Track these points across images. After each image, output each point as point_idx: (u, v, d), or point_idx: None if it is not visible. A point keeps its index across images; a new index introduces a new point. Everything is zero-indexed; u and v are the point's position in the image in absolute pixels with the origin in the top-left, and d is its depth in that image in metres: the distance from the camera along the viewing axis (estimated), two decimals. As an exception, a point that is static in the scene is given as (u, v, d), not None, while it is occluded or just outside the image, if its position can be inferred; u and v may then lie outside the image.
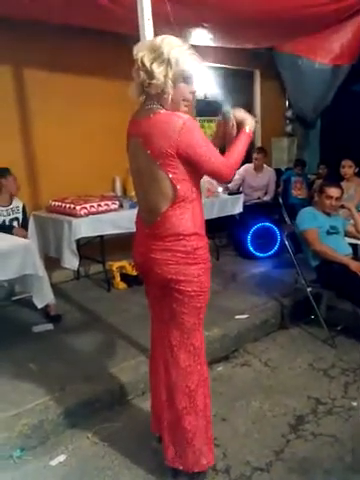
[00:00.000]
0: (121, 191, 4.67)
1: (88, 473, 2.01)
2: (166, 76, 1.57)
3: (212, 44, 4.83)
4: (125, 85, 4.48)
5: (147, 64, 1.58)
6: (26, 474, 2.03)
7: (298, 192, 5.77)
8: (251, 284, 4.04)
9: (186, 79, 1.63)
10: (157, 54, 1.58)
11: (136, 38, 4.32)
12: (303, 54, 5.36)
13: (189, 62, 1.62)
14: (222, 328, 3.11)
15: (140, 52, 1.61)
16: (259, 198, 5.44)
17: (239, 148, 1.73)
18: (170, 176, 1.61)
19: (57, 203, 3.95)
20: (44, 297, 2.92)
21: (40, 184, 4.27)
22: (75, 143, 4.36)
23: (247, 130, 1.76)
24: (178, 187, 1.63)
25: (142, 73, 1.59)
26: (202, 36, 4.51)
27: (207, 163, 1.62)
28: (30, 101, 4.05)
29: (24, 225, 3.75)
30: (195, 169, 1.65)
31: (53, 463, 2.08)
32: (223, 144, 1.81)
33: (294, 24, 4.29)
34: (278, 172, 6.22)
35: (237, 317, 3.33)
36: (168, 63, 1.57)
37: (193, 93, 1.70)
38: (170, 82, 1.58)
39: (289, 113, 6.49)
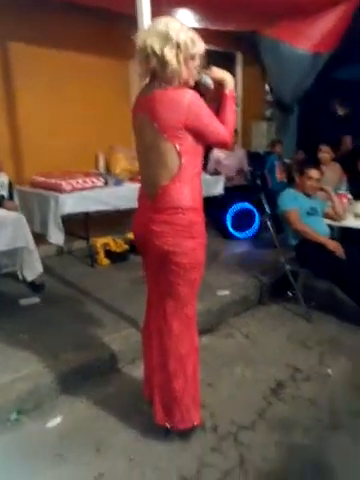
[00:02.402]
0: (104, 168, 4.71)
1: (84, 433, 2.13)
2: (178, 59, 1.67)
3: (196, 25, 4.88)
4: (111, 63, 4.61)
5: (158, 50, 1.65)
6: (24, 435, 2.13)
7: (282, 175, 5.84)
8: (231, 263, 4.20)
9: (193, 57, 1.73)
10: (166, 39, 1.65)
11: (125, 15, 4.33)
12: (285, 39, 5.44)
13: (195, 42, 1.72)
14: (206, 303, 3.24)
15: (148, 39, 1.67)
16: (233, 179, 5.54)
17: (228, 113, 1.84)
18: (177, 147, 1.71)
19: (42, 178, 3.97)
20: (34, 270, 2.98)
21: (23, 159, 4.26)
22: (59, 119, 4.36)
23: (227, 92, 1.85)
24: (183, 160, 1.73)
25: (154, 60, 1.67)
26: (187, 17, 4.55)
27: (213, 134, 1.76)
28: (15, 76, 4.02)
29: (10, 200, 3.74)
30: (200, 141, 1.76)
31: (50, 425, 2.19)
32: (217, 108, 1.89)
33: (278, 8, 4.39)
34: (257, 155, 6.37)
35: (219, 293, 3.48)
36: (178, 46, 1.66)
37: (197, 68, 1.79)
38: (183, 64, 1.68)
39: (269, 97, 6.60)
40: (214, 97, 1.90)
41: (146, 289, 2.12)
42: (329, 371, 2.65)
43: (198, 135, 1.74)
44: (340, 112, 5.28)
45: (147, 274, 2.05)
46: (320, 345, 2.96)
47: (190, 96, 1.68)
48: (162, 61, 1.67)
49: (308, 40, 5.29)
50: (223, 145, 1.85)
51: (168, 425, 2.02)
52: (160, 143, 1.73)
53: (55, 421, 2.21)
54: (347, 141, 4.98)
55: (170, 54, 1.65)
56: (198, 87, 1.89)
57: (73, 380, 2.46)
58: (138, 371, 2.55)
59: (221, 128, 1.78)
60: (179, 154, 1.73)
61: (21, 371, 2.40)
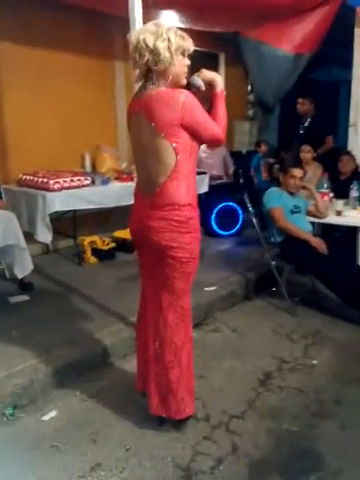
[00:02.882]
0: (90, 168, 4.74)
1: (80, 425, 2.18)
2: (170, 50, 1.76)
3: (181, 26, 4.95)
4: (97, 63, 4.69)
5: (150, 44, 1.75)
6: (20, 428, 2.16)
7: (267, 174, 5.99)
8: (217, 259, 4.29)
9: (183, 52, 1.83)
10: (157, 34, 1.76)
11: (111, 16, 4.37)
12: (267, 41, 5.56)
13: (184, 38, 1.82)
14: (194, 298, 3.26)
15: (141, 35, 1.77)
16: (220, 178, 5.63)
17: (220, 111, 1.92)
18: (173, 145, 1.79)
19: (29, 177, 3.99)
20: (25, 267, 3.01)
21: (9, 158, 4.26)
22: (45, 118, 4.38)
23: (218, 90, 1.94)
24: (178, 157, 1.80)
25: (147, 53, 1.76)
26: (172, 18, 4.61)
27: (206, 131, 1.83)
28: (2, 75, 4.01)
29: None
30: (195, 138, 1.84)
31: (45, 418, 2.22)
32: (208, 108, 1.97)
33: (261, 11, 4.49)
34: (239, 154, 6.49)
35: (206, 289, 3.56)
36: (169, 40, 1.76)
37: (188, 66, 1.88)
38: (174, 56, 1.77)
39: (251, 97, 6.72)
40: (205, 98, 1.98)
41: (139, 284, 2.18)
42: (314, 362, 2.76)
43: (193, 133, 1.82)
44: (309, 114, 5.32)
45: (142, 268, 2.11)
46: (305, 338, 3.06)
47: (185, 95, 1.77)
48: (155, 53, 1.75)
49: (290, 42, 5.42)
50: (217, 141, 1.92)
51: (164, 415, 2.08)
52: (157, 141, 1.79)
53: (50, 415, 2.25)
54: (329, 140, 5.12)
55: (162, 45, 1.75)
56: (190, 88, 1.97)
57: (66, 375, 2.50)
58: (130, 365, 2.62)
59: (214, 125, 1.86)
60: (175, 151, 1.80)
61: (15, 367, 2.42)
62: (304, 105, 5.20)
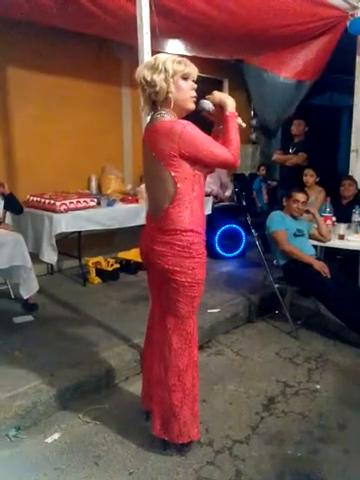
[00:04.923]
0: (96, 189, 4.81)
1: (83, 448, 2.17)
2: (167, 81, 1.81)
3: (187, 54, 5.08)
4: (104, 88, 4.81)
5: (148, 78, 1.82)
6: (23, 451, 2.16)
7: (266, 197, 6.11)
8: (220, 282, 4.31)
9: (184, 77, 1.86)
10: (154, 68, 1.84)
11: (117, 43, 4.50)
12: (269, 68, 5.69)
13: (182, 63, 1.85)
14: (197, 321, 3.31)
15: (140, 73, 1.86)
16: (221, 200, 5.67)
17: (231, 133, 1.90)
18: (172, 175, 1.82)
19: (36, 198, 4.05)
20: (31, 288, 3.03)
21: (17, 179, 4.32)
22: (53, 141, 4.46)
23: (228, 113, 1.92)
24: (178, 185, 1.83)
25: (147, 87, 1.83)
26: (177, 46, 4.74)
27: (212, 158, 1.82)
28: (11, 98, 4.12)
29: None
30: (202, 167, 1.86)
31: (48, 440, 2.22)
32: (221, 130, 1.98)
33: (265, 41, 4.62)
34: (242, 177, 6.57)
35: (210, 311, 3.57)
36: (164, 70, 1.82)
37: (195, 89, 1.90)
38: (171, 84, 1.81)
39: (254, 122, 6.84)
40: (218, 120, 2.02)
41: (143, 305, 2.22)
42: (317, 386, 2.75)
43: (197, 162, 1.82)
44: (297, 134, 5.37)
45: (151, 289, 2.16)
46: (308, 362, 3.06)
47: (183, 126, 1.77)
48: (153, 85, 1.81)
49: (291, 69, 5.53)
50: (225, 166, 1.91)
51: (166, 438, 2.08)
52: (158, 170, 1.84)
53: (53, 437, 2.24)
54: (301, 156, 5.16)
55: (158, 78, 1.81)
56: (200, 112, 1.99)
57: (70, 397, 2.50)
58: (133, 387, 2.63)
59: (222, 150, 1.84)
60: (174, 180, 1.82)
61: (18, 388, 2.43)
62: (300, 126, 5.29)
